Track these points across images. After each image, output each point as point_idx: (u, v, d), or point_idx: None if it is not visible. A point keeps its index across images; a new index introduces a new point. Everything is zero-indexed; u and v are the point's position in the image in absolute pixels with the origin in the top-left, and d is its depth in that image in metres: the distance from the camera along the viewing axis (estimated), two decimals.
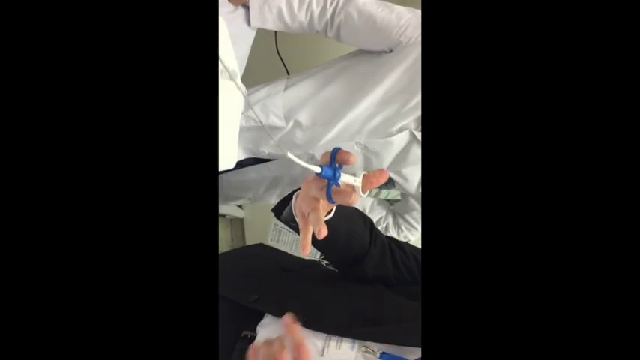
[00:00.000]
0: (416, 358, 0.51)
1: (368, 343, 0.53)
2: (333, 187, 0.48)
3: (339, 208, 0.58)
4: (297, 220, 0.55)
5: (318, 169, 0.46)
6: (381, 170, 0.48)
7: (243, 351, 0.55)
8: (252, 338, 0.57)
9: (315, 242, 0.60)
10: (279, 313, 0.56)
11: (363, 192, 0.48)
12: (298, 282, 0.69)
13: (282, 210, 0.64)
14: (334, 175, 0.47)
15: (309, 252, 0.52)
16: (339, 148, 0.48)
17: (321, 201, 0.50)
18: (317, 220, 0.49)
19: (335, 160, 0.48)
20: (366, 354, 0.52)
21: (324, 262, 0.80)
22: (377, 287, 0.64)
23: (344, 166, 0.49)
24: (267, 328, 0.58)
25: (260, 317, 0.60)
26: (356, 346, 0.53)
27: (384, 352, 0.52)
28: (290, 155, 0.46)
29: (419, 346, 0.51)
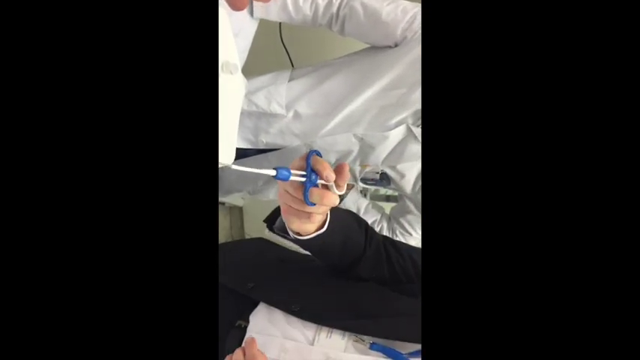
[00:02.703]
0: (409, 352, 0.51)
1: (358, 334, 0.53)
2: (310, 188, 0.46)
3: (333, 217, 0.57)
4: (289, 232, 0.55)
5: (272, 172, 0.43)
6: (342, 164, 0.48)
7: (237, 339, 0.56)
8: (246, 328, 0.57)
9: (310, 250, 0.60)
10: (272, 302, 0.57)
11: (340, 189, 0.47)
12: (294, 273, 0.69)
13: (274, 221, 0.63)
14: (309, 177, 0.45)
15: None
16: (316, 151, 0.47)
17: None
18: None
19: (310, 163, 0.46)
20: (356, 343, 0.53)
21: None
22: (371, 282, 0.65)
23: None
24: (259, 317, 0.58)
25: (254, 306, 0.60)
26: (346, 335, 0.54)
27: (373, 343, 0.52)
28: (235, 166, 0.44)
29: (409, 341, 0.51)
